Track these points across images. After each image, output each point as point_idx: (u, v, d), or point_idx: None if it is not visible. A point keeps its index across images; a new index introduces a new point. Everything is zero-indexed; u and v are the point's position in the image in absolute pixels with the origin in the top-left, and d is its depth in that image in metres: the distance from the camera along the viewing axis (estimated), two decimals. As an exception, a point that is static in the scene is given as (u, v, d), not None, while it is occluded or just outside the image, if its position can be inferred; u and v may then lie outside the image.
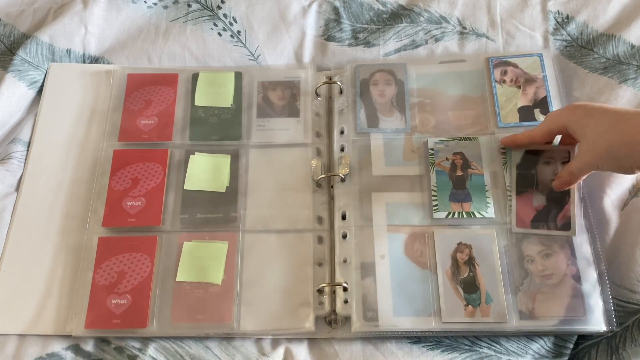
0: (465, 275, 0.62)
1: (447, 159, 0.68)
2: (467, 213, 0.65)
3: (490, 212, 0.65)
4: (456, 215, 0.65)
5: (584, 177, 0.61)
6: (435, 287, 0.62)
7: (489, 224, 0.65)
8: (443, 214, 0.65)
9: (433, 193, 0.66)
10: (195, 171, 0.70)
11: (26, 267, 0.66)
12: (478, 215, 0.65)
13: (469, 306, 0.61)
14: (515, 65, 0.73)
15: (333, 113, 0.74)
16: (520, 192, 0.65)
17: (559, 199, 0.64)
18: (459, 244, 0.64)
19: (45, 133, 0.74)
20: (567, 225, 0.63)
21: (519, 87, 0.72)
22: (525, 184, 0.65)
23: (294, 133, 0.72)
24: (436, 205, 0.66)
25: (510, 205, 0.65)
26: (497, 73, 0.73)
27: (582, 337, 0.62)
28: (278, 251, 0.66)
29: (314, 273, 0.64)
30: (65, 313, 0.63)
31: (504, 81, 0.73)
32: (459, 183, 0.67)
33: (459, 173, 0.67)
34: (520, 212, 0.64)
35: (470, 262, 0.63)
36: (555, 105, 0.71)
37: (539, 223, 0.63)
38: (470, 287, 0.62)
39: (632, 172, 0.55)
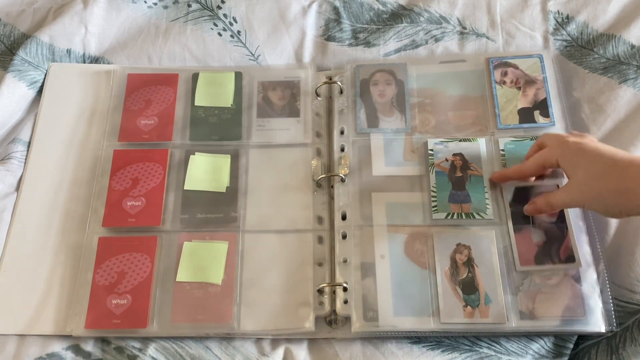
0: (464, 276, 0.62)
1: (446, 160, 0.68)
2: (467, 214, 0.65)
3: (489, 213, 0.65)
4: (455, 217, 0.65)
5: (560, 209, 0.62)
6: (434, 287, 0.62)
7: (488, 225, 0.64)
8: (442, 215, 0.65)
9: (432, 194, 0.66)
10: (195, 171, 0.70)
11: (26, 267, 0.66)
12: (477, 217, 0.65)
13: (468, 307, 0.61)
14: (515, 67, 0.73)
15: (333, 113, 0.74)
16: (518, 230, 0.63)
17: (559, 232, 0.63)
18: (458, 244, 0.64)
19: (45, 133, 0.74)
20: (571, 258, 0.62)
21: (519, 88, 0.72)
22: (522, 220, 0.64)
23: (294, 133, 0.72)
24: (435, 206, 0.66)
25: (511, 242, 0.64)
26: (497, 74, 0.73)
27: (582, 337, 0.62)
28: (278, 251, 0.66)
29: (314, 273, 0.64)
30: (65, 313, 0.63)
31: (504, 82, 0.72)
32: (458, 184, 0.67)
33: (459, 174, 0.67)
34: (521, 250, 0.62)
35: (469, 263, 0.63)
36: (555, 107, 0.70)
37: (542, 258, 0.62)
38: (469, 288, 0.62)
39: (620, 217, 0.55)
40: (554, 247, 0.62)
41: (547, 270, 0.61)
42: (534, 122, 0.70)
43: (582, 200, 0.57)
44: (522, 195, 0.65)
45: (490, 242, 0.63)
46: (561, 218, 0.63)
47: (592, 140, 0.58)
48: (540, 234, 0.63)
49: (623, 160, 0.54)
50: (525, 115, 0.70)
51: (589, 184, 0.55)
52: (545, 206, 0.61)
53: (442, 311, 0.61)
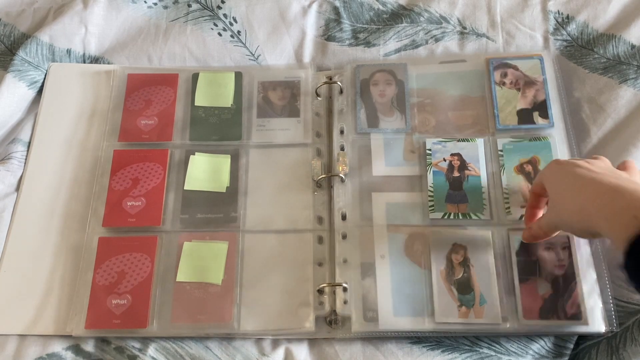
0: (460, 276, 0.62)
1: (444, 160, 0.68)
2: (463, 214, 0.65)
3: (486, 214, 0.65)
4: (452, 217, 0.65)
5: (552, 234, 0.58)
6: (429, 287, 0.62)
7: (485, 226, 0.64)
8: (439, 215, 0.65)
9: (430, 193, 0.66)
10: (195, 171, 0.70)
11: (26, 267, 0.66)
12: (474, 217, 0.65)
13: (463, 307, 0.61)
14: (515, 68, 0.73)
15: (333, 113, 0.74)
16: (523, 280, 0.61)
17: (567, 286, 0.60)
18: (454, 244, 0.63)
19: (45, 133, 0.74)
20: (578, 315, 0.59)
21: (518, 89, 0.72)
22: (528, 272, 0.61)
23: (294, 133, 0.72)
24: (432, 205, 0.66)
25: (515, 295, 0.61)
26: (497, 75, 0.73)
27: (583, 337, 0.62)
28: (278, 251, 0.66)
29: (314, 273, 0.64)
30: (66, 313, 0.63)
31: (504, 83, 0.72)
32: (455, 184, 0.67)
33: (456, 174, 0.67)
34: (526, 302, 0.60)
35: (465, 263, 0.63)
36: (554, 108, 0.70)
37: (547, 313, 0.59)
38: (464, 288, 0.61)
39: (587, 238, 0.53)
40: (561, 301, 0.60)
41: (551, 326, 0.60)
42: (533, 123, 0.70)
43: (554, 220, 0.55)
44: (530, 245, 0.62)
45: (487, 243, 0.63)
46: (571, 270, 0.61)
47: (578, 161, 0.54)
48: (547, 286, 0.61)
49: (584, 179, 0.51)
50: (524, 116, 0.70)
51: (557, 204, 0.54)
52: (537, 230, 0.58)
53: (436, 311, 0.60)
